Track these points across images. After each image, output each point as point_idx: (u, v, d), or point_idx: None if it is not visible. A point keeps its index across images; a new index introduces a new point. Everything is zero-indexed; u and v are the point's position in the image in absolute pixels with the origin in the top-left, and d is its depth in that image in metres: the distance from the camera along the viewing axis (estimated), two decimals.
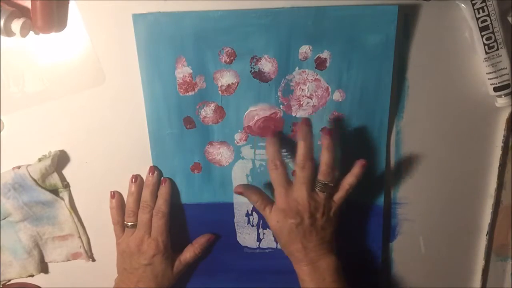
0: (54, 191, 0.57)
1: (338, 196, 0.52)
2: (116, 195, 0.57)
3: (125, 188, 0.57)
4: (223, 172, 0.57)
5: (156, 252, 0.55)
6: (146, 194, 0.56)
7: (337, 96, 0.53)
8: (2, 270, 0.60)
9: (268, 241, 0.60)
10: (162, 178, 0.57)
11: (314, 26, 0.50)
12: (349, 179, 0.52)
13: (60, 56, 0.53)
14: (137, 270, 0.56)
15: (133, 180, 0.57)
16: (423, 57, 0.53)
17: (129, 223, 0.56)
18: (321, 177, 0.51)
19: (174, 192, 0.58)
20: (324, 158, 0.51)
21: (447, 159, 0.57)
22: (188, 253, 0.58)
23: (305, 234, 0.52)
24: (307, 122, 0.52)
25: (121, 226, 0.57)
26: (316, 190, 0.52)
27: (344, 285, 0.53)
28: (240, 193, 0.55)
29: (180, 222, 0.59)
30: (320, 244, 0.52)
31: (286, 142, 0.55)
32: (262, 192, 0.54)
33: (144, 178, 0.57)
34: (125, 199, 0.58)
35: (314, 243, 0.52)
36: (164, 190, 0.56)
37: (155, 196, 0.56)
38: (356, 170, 0.52)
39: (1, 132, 0.56)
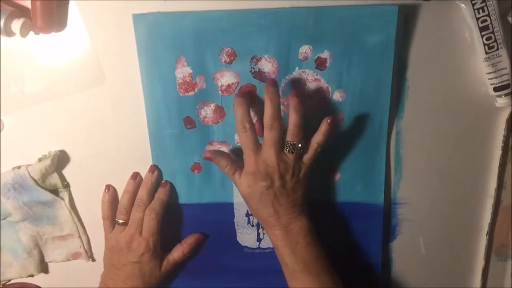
0: (54, 191, 0.57)
1: (307, 156, 0.52)
2: (110, 189, 0.57)
3: (124, 188, 0.57)
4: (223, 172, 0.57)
5: (145, 251, 0.55)
6: (143, 192, 0.56)
7: (337, 96, 0.53)
8: (2, 270, 0.60)
9: (268, 241, 0.60)
10: (163, 181, 0.57)
11: (314, 26, 0.50)
12: (317, 138, 0.51)
13: (60, 56, 0.53)
14: (125, 267, 0.55)
15: (133, 177, 0.56)
16: (423, 57, 0.53)
17: (120, 221, 0.56)
18: (289, 137, 0.50)
19: (173, 192, 0.58)
20: (292, 118, 0.50)
21: (447, 159, 0.57)
22: (177, 253, 0.58)
23: (276, 196, 0.51)
24: (273, 82, 0.51)
25: (110, 222, 0.57)
26: (285, 151, 0.51)
27: (318, 247, 0.52)
28: (209, 159, 0.53)
29: (179, 222, 0.59)
30: (291, 207, 0.52)
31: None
32: (232, 157, 0.53)
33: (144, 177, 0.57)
34: (119, 196, 0.58)
35: (285, 207, 0.51)
36: (162, 192, 0.56)
37: (151, 195, 0.56)
38: (323, 127, 0.51)
39: (1, 132, 0.55)
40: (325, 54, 0.52)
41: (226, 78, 0.53)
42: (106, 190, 0.57)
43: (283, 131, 0.50)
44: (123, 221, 0.56)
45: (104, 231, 0.57)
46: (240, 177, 0.52)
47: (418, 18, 0.51)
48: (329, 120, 0.51)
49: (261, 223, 0.54)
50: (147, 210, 0.55)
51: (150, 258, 0.55)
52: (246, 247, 0.60)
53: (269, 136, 0.50)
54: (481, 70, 0.52)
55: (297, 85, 0.53)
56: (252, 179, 0.51)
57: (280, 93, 0.53)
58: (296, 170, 0.51)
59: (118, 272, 0.56)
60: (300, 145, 0.50)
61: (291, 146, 0.50)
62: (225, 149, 0.56)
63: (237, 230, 0.60)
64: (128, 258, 0.55)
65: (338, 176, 0.57)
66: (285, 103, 0.54)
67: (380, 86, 0.53)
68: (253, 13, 0.50)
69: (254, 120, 0.54)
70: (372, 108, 0.54)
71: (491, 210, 0.58)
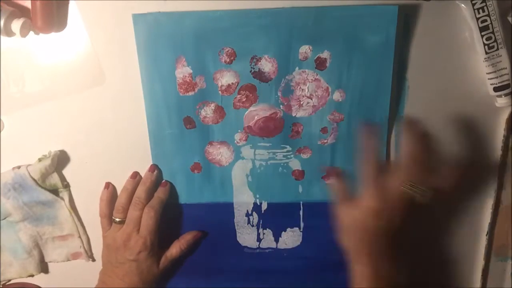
0: (54, 191, 0.57)
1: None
2: (110, 187, 0.57)
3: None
4: (223, 172, 0.57)
5: (142, 249, 0.55)
6: (141, 190, 0.56)
7: (337, 96, 0.53)
8: (2, 270, 0.60)
9: (268, 241, 0.60)
10: (163, 181, 0.57)
11: (314, 26, 0.50)
12: None
13: (60, 56, 0.53)
14: (122, 265, 0.55)
15: (132, 177, 0.56)
16: (423, 57, 0.53)
17: (117, 219, 0.56)
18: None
19: (173, 192, 0.58)
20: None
21: (447, 159, 0.57)
22: (174, 249, 0.58)
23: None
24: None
25: (108, 220, 0.57)
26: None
27: None
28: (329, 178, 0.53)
29: (179, 221, 0.59)
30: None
31: None
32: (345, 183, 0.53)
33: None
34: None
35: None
36: (162, 191, 0.56)
37: (149, 194, 0.56)
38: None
39: (1, 132, 0.56)
40: (325, 54, 0.52)
41: (226, 78, 0.53)
42: (106, 188, 0.57)
43: None
44: (120, 220, 0.56)
45: (102, 229, 0.57)
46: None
47: (418, 18, 0.51)
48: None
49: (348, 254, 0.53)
50: (146, 208, 0.55)
51: (147, 256, 0.55)
52: (246, 247, 0.60)
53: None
54: (481, 70, 0.52)
55: (297, 85, 0.53)
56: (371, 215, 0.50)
57: (280, 93, 0.53)
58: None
59: (116, 270, 0.56)
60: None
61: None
62: (225, 149, 0.56)
63: (237, 230, 0.60)
64: (126, 256, 0.55)
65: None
66: (285, 103, 0.54)
67: (380, 86, 0.53)
68: (253, 13, 0.50)
69: (253, 122, 0.55)
70: (372, 108, 0.54)
71: (491, 210, 0.58)
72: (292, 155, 0.56)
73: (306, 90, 0.53)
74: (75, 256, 0.61)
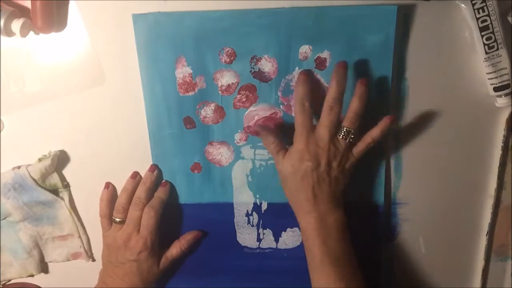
0: (54, 191, 0.57)
1: (358, 148, 0.51)
2: (110, 187, 0.57)
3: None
4: (223, 172, 0.57)
5: (143, 249, 0.55)
6: (141, 191, 0.56)
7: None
8: (2, 270, 0.60)
9: (268, 241, 0.60)
10: (163, 181, 0.57)
11: (314, 26, 0.50)
12: (374, 133, 0.51)
13: (60, 56, 0.53)
14: (123, 265, 0.55)
15: (132, 177, 0.56)
16: (423, 57, 0.53)
17: (117, 219, 0.56)
18: (346, 123, 0.50)
19: (173, 192, 0.58)
20: (354, 105, 0.50)
21: (447, 159, 0.57)
22: (175, 249, 0.58)
23: (318, 181, 0.50)
24: (344, 65, 0.50)
25: (108, 219, 0.57)
26: (338, 136, 0.50)
27: (350, 244, 0.51)
28: (256, 133, 0.53)
29: (179, 222, 0.59)
30: (331, 197, 0.51)
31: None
32: (279, 136, 0.53)
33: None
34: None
35: (325, 194, 0.50)
36: (162, 191, 0.56)
37: (150, 194, 0.56)
38: (383, 124, 0.50)
39: (1, 132, 0.56)
40: (325, 54, 0.52)
41: (226, 78, 0.53)
42: (105, 188, 0.57)
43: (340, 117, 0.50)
44: (120, 220, 0.56)
45: (102, 229, 0.57)
46: (283, 156, 0.51)
47: (418, 18, 0.51)
48: (390, 119, 0.50)
49: (294, 209, 0.52)
50: (146, 208, 0.55)
51: (148, 256, 0.55)
52: (246, 247, 0.60)
53: (327, 118, 0.49)
54: (481, 70, 0.52)
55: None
56: (298, 158, 0.50)
57: (280, 93, 0.53)
58: (344, 159, 0.50)
59: (116, 270, 0.56)
60: (354, 133, 0.50)
61: (346, 132, 0.50)
62: (225, 149, 0.56)
63: (237, 230, 0.60)
64: (126, 256, 0.55)
65: None
66: (285, 103, 0.54)
67: (380, 86, 0.53)
68: (253, 13, 0.50)
69: (253, 122, 0.55)
70: (372, 108, 0.54)
71: (491, 210, 0.58)
72: None
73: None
74: (75, 256, 0.61)
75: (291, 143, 0.52)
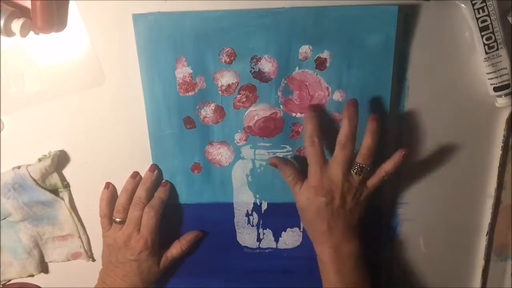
0: (54, 191, 0.57)
1: (372, 182, 0.52)
2: (110, 187, 0.57)
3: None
4: (223, 172, 0.57)
5: (143, 249, 0.55)
6: (141, 190, 0.56)
7: (337, 96, 0.53)
8: (2, 270, 0.60)
9: (268, 241, 0.60)
10: (163, 181, 0.57)
11: (314, 26, 0.50)
12: (387, 166, 0.51)
13: (60, 56, 0.53)
14: (123, 265, 0.55)
15: (132, 176, 0.56)
16: (423, 57, 0.53)
17: (118, 219, 0.56)
18: (359, 159, 0.51)
19: (173, 192, 0.58)
20: (367, 142, 0.50)
21: (447, 159, 0.57)
22: (175, 249, 0.58)
23: (333, 215, 0.51)
24: (355, 103, 0.51)
25: (108, 219, 0.57)
26: (352, 172, 0.51)
27: (364, 273, 0.52)
28: (274, 165, 0.54)
29: (179, 222, 0.59)
30: (346, 228, 0.52)
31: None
32: (296, 167, 0.54)
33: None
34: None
35: (340, 226, 0.51)
36: (162, 191, 0.56)
37: (150, 194, 0.56)
38: (396, 158, 0.51)
39: (1, 132, 0.56)
40: (325, 54, 0.52)
41: (226, 78, 0.53)
42: (105, 188, 0.57)
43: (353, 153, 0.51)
44: (120, 220, 0.56)
45: (102, 229, 0.57)
46: (300, 188, 0.52)
47: (418, 18, 0.51)
48: (403, 153, 0.51)
49: (311, 238, 0.54)
50: (146, 208, 0.55)
51: (148, 256, 0.55)
52: (246, 247, 0.60)
53: (340, 154, 0.50)
54: (481, 70, 0.52)
55: (297, 85, 0.53)
56: (313, 193, 0.51)
57: (280, 93, 0.53)
58: (358, 192, 0.51)
59: (116, 270, 0.56)
60: (368, 169, 0.51)
61: (359, 168, 0.51)
62: (225, 149, 0.56)
63: (237, 230, 0.60)
64: (126, 256, 0.55)
65: None
66: (285, 103, 0.54)
67: (380, 86, 0.53)
68: (253, 13, 0.50)
69: (253, 122, 0.55)
70: (372, 108, 0.54)
71: (491, 210, 0.58)
72: (292, 155, 0.56)
73: (306, 90, 0.53)
74: (75, 256, 0.61)
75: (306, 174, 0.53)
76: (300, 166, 0.55)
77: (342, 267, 0.52)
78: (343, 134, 0.50)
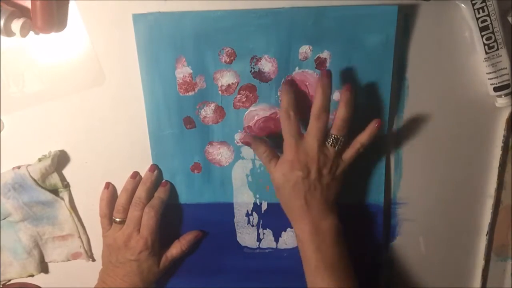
0: (54, 191, 0.57)
1: (348, 154, 0.51)
2: (110, 187, 0.57)
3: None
4: (223, 172, 0.57)
5: (143, 249, 0.55)
6: (142, 190, 0.56)
7: (337, 96, 0.53)
8: (2, 270, 0.60)
9: (268, 241, 0.60)
10: (163, 181, 0.57)
11: (314, 26, 0.50)
12: (362, 138, 0.51)
13: (60, 56, 0.53)
14: (123, 265, 0.55)
15: (132, 176, 0.56)
16: (423, 57, 0.53)
17: (117, 219, 0.56)
18: (334, 131, 0.50)
19: (173, 192, 0.58)
20: (341, 112, 0.50)
21: (447, 159, 0.57)
22: (175, 249, 0.58)
23: (310, 189, 0.50)
24: (328, 74, 0.50)
25: (108, 219, 0.57)
26: (327, 144, 0.50)
27: (344, 249, 0.52)
28: (247, 143, 0.53)
29: (179, 222, 0.59)
30: (324, 203, 0.51)
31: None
32: (270, 145, 0.53)
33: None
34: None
35: (317, 201, 0.51)
36: (162, 191, 0.56)
37: (150, 194, 0.56)
38: (370, 128, 0.51)
39: (1, 132, 0.56)
40: (325, 54, 0.52)
41: (226, 78, 0.53)
42: (106, 188, 0.57)
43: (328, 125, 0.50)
44: (120, 220, 0.56)
45: (102, 229, 0.57)
46: (275, 165, 0.52)
47: (418, 18, 0.51)
48: (377, 124, 0.51)
49: (288, 217, 0.53)
50: (146, 208, 0.55)
51: (148, 256, 0.55)
52: (246, 247, 0.60)
53: (314, 126, 0.50)
54: (481, 70, 0.52)
55: (297, 85, 0.53)
56: (289, 167, 0.50)
57: (280, 93, 0.53)
58: (334, 165, 0.50)
59: (116, 270, 0.56)
60: (343, 140, 0.50)
61: (334, 140, 0.50)
62: (225, 149, 0.56)
63: (237, 230, 0.60)
64: (126, 256, 0.55)
65: None
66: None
67: (380, 86, 0.53)
68: (253, 13, 0.50)
69: (253, 122, 0.55)
70: (372, 108, 0.54)
71: (491, 210, 0.58)
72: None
73: (306, 90, 0.53)
74: (75, 256, 0.61)
75: (282, 150, 0.52)
76: (275, 144, 0.54)
77: (322, 244, 0.50)
78: (317, 105, 0.49)
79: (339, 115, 0.50)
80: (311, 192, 0.50)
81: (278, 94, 0.54)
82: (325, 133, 0.50)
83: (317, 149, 0.50)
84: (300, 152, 0.50)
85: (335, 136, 0.50)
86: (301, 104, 0.52)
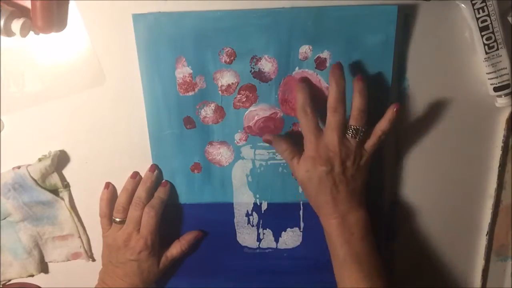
0: (54, 191, 0.57)
1: (370, 143, 0.50)
2: (110, 187, 0.57)
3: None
4: (223, 172, 0.57)
5: (143, 249, 0.55)
6: (141, 190, 0.56)
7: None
8: (2, 270, 0.60)
9: (268, 241, 0.60)
10: (163, 181, 0.57)
11: (314, 26, 0.50)
12: (382, 125, 0.50)
13: (60, 56, 0.53)
14: (123, 265, 0.55)
15: (132, 176, 0.56)
16: (423, 57, 0.53)
17: (117, 219, 0.56)
18: (352, 122, 0.49)
19: (173, 192, 0.58)
20: (356, 102, 0.49)
21: (447, 159, 0.57)
22: (175, 249, 0.58)
23: (335, 183, 0.50)
24: (340, 66, 0.50)
25: (108, 220, 0.57)
26: (347, 136, 0.49)
27: (373, 242, 0.51)
28: (269, 142, 0.53)
29: (179, 222, 0.59)
30: (350, 195, 0.50)
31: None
32: (291, 142, 0.52)
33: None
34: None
35: (343, 194, 0.50)
36: (162, 191, 0.56)
37: (150, 194, 0.56)
38: (389, 114, 0.50)
39: (1, 132, 0.56)
40: (325, 54, 0.52)
41: (226, 78, 0.53)
42: (105, 188, 0.57)
43: (346, 116, 0.49)
44: (120, 220, 0.56)
45: (102, 229, 0.57)
46: (298, 162, 0.51)
47: (418, 18, 0.51)
48: (395, 108, 0.50)
49: (316, 211, 0.53)
50: (146, 207, 0.55)
51: (148, 256, 0.55)
52: (246, 247, 0.60)
53: (332, 119, 0.49)
54: (481, 70, 0.52)
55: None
56: (311, 164, 0.50)
57: (280, 93, 0.53)
58: (357, 156, 0.50)
59: (116, 270, 0.56)
60: (363, 130, 0.49)
61: (354, 131, 0.49)
62: (225, 149, 0.56)
63: (237, 230, 0.60)
64: (126, 256, 0.55)
65: None
66: (285, 103, 0.54)
67: (380, 86, 0.53)
68: (253, 13, 0.50)
69: (253, 122, 0.55)
70: (372, 108, 0.54)
71: (491, 210, 0.58)
72: None
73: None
74: (75, 256, 0.61)
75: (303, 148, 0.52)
76: (296, 141, 0.53)
77: (350, 237, 0.50)
78: (332, 98, 0.49)
79: (355, 105, 0.49)
80: (336, 187, 0.50)
81: (278, 94, 0.54)
82: (344, 126, 0.49)
83: (337, 142, 0.49)
84: (321, 147, 0.50)
85: (355, 127, 0.49)
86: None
